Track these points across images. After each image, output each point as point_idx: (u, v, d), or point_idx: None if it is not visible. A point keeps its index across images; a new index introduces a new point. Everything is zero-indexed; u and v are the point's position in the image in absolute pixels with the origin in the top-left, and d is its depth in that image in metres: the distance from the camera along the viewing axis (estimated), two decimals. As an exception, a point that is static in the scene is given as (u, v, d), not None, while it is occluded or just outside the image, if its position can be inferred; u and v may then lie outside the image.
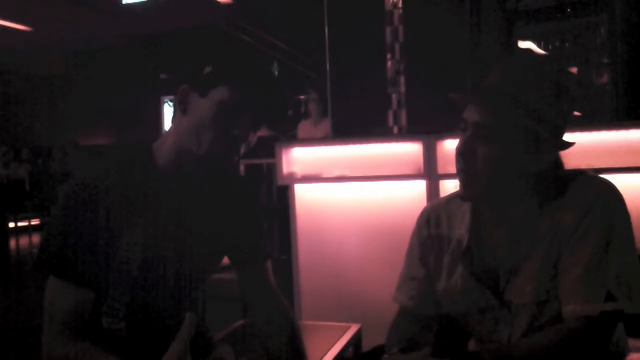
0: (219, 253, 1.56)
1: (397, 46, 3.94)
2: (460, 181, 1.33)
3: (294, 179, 3.34)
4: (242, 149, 1.39)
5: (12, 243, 8.57)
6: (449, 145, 2.98)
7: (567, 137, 1.30)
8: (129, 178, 1.39)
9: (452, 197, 1.48)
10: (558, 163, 1.34)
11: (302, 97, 8.08)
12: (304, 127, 6.40)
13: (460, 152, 1.30)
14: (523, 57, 1.37)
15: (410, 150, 3.11)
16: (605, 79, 4.64)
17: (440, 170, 3.00)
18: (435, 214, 1.48)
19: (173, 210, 1.42)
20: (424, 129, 3.30)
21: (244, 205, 1.57)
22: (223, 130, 1.34)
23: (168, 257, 1.41)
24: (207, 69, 1.39)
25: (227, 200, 1.51)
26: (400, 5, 3.89)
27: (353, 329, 2.27)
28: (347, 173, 3.24)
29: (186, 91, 1.40)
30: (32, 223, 9.14)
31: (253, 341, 1.62)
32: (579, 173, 1.32)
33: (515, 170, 1.28)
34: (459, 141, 1.31)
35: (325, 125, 5.58)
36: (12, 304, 5.61)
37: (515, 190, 1.31)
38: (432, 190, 3.02)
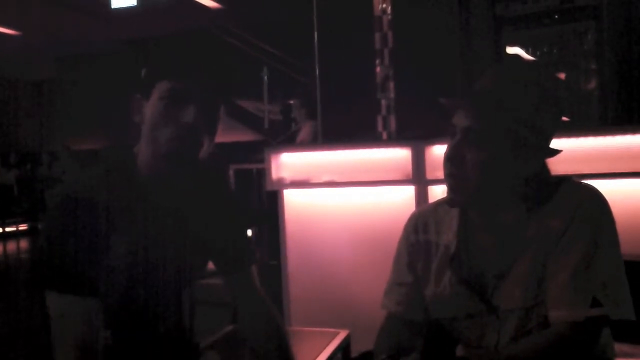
0: (202, 257, 1.55)
1: (386, 51, 3.95)
2: (448, 186, 1.33)
3: (283, 184, 3.33)
4: (205, 141, 1.37)
5: (0, 248, 8.53)
6: (438, 151, 2.99)
7: (555, 142, 1.31)
8: (114, 184, 1.38)
9: (440, 202, 1.48)
10: (545, 169, 1.35)
11: (292, 102, 8.08)
12: None
13: (449, 157, 1.30)
14: (512, 63, 1.38)
15: (399, 155, 3.11)
16: (593, 84, 4.66)
17: (429, 175, 3.01)
18: (423, 220, 1.48)
19: (155, 215, 1.41)
20: (413, 134, 3.31)
21: (227, 210, 1.56)
22: (171, 123, 1.33)
23: (151, 262, 1.41)
24: (143, 72, 1.39)
25: (209, 205, 1.51)
26: (389, 11, 3.90)
27: (342, 334, 2.27)
28: (336, 178, 3.24)
29: (138, 101, 1.39)
30: (20, 228, 9.11)
31: (241, 347, 1.61)
32: (565, 179, 1.33)
33: (504, 175, 1.28)
34: (448, 146, 1.31)
35: (307, 129, 5.61)
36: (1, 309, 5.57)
37: (503, 196, 1.32)
38: (421, 196, 3.02)
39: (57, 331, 1.32)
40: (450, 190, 1.33)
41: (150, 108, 1.36)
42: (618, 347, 1.42)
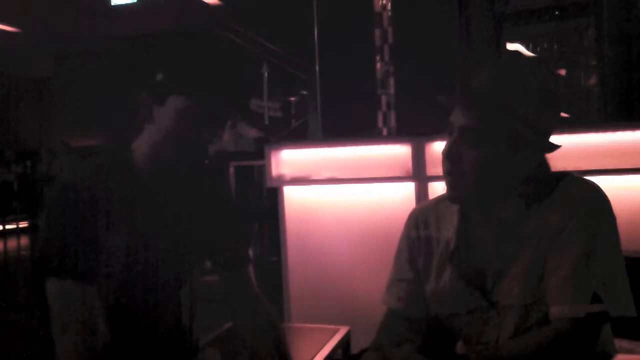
0: (198, 255, 1.55)
1: (386, 48, 3.95)
2: (447, 183, 1.34)
3: (283, 181, 3.33)
4: (214, 145, 1.41)
5: (1, 245, 8.54)
6: (438, 147, 2.98)
7: (555, 139, 1.31)
8: (111, 177, 1.38)
9: (440, 199, 1.48)
10: (544, 165, 1.35)
11: (292, 98, 8.09)
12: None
13: (447, 155, 1.31)
14: (510, 60, 1.38)
15: (399, 152, 3.11)
16: (593, 80, 4.66)
17: (429, 172, 3.01)
18: (423, 216, 1.49)
19: (153, 210, 1.41)
20: (413, 130, 3.31)
21: (222, 208, 1.57)
22: (187, 136, 1.36)
23: (148, 259, 1.40)
24: (159, 76, 1.38)
25: (205, 203, 1.51)
26: (389, 7, 3.90)
27: (342, 331, 2.27)
28: (336, 175, 3.24)
29: (148, 100, 1.40)
30: (21, 225, 9.11)
31: (240, 345, 1.61)
32: (565, 175, 1.33)
33: (502, 172, 1.29)
34: (446, 144, 1.32)
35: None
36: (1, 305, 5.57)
37: (502, 192, 1.32)
38: (421, 192, 3.02)
39: (58, 318, 1.32)
40: (449, 187, 1.34)
41: (163, 115, 1.37)
42: (618, 343, 1.42)
